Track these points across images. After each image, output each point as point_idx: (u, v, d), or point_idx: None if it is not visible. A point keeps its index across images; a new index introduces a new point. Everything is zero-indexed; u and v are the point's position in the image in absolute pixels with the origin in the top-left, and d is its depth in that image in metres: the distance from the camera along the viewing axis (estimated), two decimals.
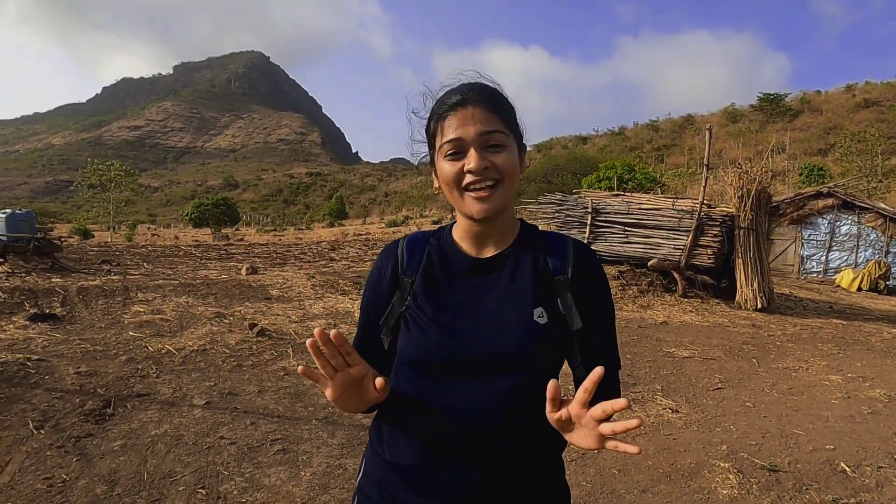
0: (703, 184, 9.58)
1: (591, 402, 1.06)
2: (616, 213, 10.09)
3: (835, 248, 16.73)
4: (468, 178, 0.98)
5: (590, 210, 10.17)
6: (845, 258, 16.57)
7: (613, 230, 10.09)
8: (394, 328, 1.07)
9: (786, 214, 17.03)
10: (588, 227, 10.15)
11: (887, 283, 15.00)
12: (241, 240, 30.62)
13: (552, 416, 0.88)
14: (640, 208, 9.99)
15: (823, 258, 16.86)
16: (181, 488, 2.79)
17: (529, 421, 0.98)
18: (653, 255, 9.59)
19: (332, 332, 0.87)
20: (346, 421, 3.77)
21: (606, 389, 1.07)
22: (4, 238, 9.66)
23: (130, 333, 5.70)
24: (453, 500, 0.99)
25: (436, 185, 1.07)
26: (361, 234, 35.20)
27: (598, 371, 0.81)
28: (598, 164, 36.25)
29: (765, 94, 70.70)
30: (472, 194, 0.98)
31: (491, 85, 1.04)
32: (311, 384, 4.49)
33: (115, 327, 5.97)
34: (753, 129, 61.97)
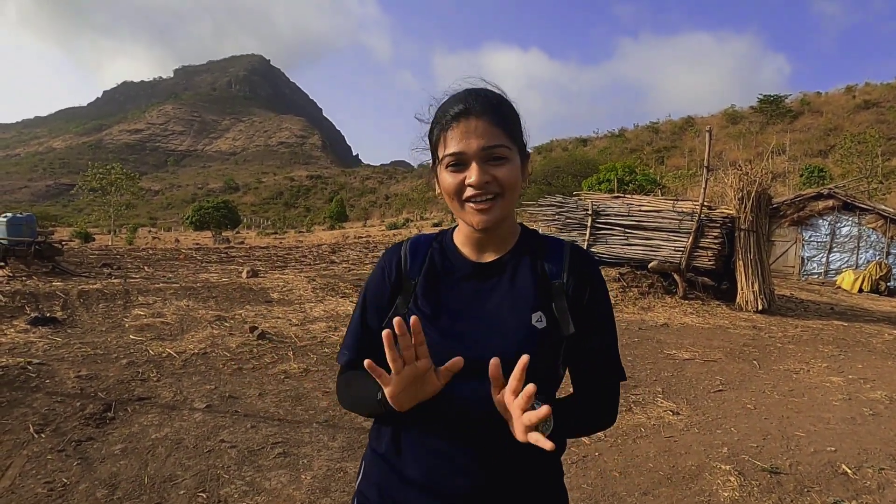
0: (704, 185, 9.59)
1: (585, 406, 1.06)
2: (616, 216, 10.09)
3: (835, 249, 16.72)
4: (469, 192, 0.98)
5: (590, 212, 10.18)
6: (846, 259, 16.56)
7: (614, 232, 10.09)
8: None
9: (786, 216, 17.02)
10: (588, 230, 10.15)
11: (888, 284, 14.98)
12: (242, 243, 30.63)
13: (495, 397, 0.90)
14: (640, 210, 9.99)
15: (824, 259, 16.84)
16: (182, 492, 2.79)
17: None
18: (653, 257, 9.59)
19: (412, 318, 0.87)
20: (346, 424, 3.77)
21: (602, 397, 1.07)
22: (5, 242, 9.67)
23: (131, 337, 5.70)
24: (453, 502, 0.99)
25: (437, 190, 1.07)
26: (362, 237, 35.21)
27: (523, 359, 0.84)
28: (598, 166, 36.28)
29: (765, 96, 70.70)
30: (473, 206, 0.99)
31: (495, 92, 1.03)
32: (312, 387, 4.50)
33: (115, 331, 5.98)
34: (753, 130, 61.98)
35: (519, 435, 0.86)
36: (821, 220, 16.85)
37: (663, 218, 9.71)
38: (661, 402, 4.55)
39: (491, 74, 1.09)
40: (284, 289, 8.80)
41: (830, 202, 16.63)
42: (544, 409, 0.81)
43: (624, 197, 10.92)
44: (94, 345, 5.31)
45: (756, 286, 9.14)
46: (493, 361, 0.87)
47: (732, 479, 3.16)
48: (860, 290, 14.64)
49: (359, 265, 14.79)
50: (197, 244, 27.00)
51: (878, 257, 15.93)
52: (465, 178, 0.98)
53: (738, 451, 3.59)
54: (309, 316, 7.23)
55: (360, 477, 1.13)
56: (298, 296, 8.48)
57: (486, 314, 1.03)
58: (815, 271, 16.91)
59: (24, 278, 8.85)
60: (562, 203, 10.84)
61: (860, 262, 16.26)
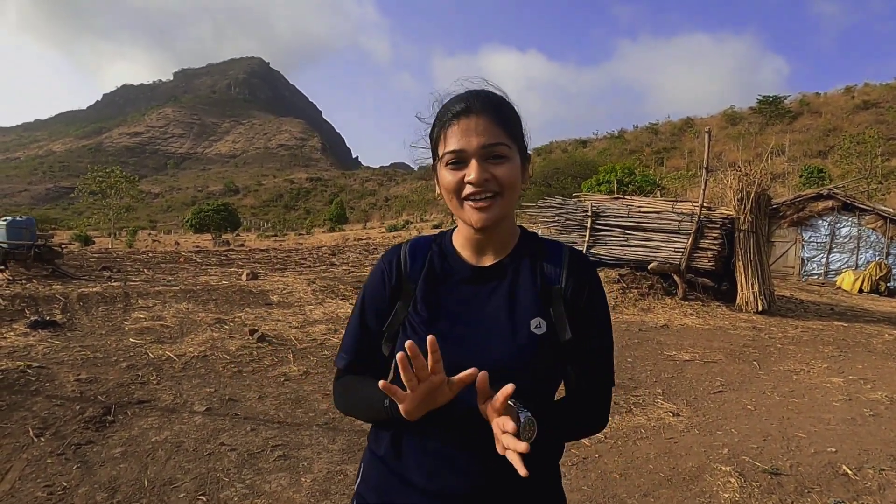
0: (703, 186, 9.59)
1: (576, 410, 1.06)
2: (616, 217, 10.09)
3: (835, 249, 16.72)
4: (468, 189, 0.98)
5: (590, 213, 10.18)
6: (846, 260, 16.56)
7: (613, 233, 10.09)
8: (395, 335, 1.07)
9: (786, 216, 17.02)
10: (588, 231, 10.15)
11: (888, 284, 14.98)
12: (242, 245, 30.65)
13: (480, 405, 0.91)
14: (639, 211, 10.00)
15: (824, 260, 16.84)
16: (182, 495, 2.78)
17: None
18: (653, 259, 9.59)
19: (430, 337, 0.87)
20: (346, 426, 3.77)
21: (593, 402, 1.07)
22: (5, 245, 9.67)
23: (131, 340, 5.70)
24: None
25: (437, 190, 1.07)
26: (362, 239, 35.23)
27: (508, 388, 0.84)
28: (597, 168, 36.27)
29: (764, 97, 70.69)
30: (472, 204, 0.98)
31: (497, 93, 1.03)
32: (312, 390, 4.49)
33: (115, 334, 5.97)
34: (753, 131, 61.98)
35: (498, 448, 0.87)
36: (820, 221, 16.86)
37: (663, 219, 9.71)
38: (662, 404, 4.55)
39: (490, 76, 1.09)
40: (284, 291, 8.80)
41: (830, 203, 16.63)
42: (511, 426, 0.82)
43: (623, 198, 10.92)
44: (94, 348, 5.31)
45: (756, 287, 9.14)
46: (481, 375, 0.87)
47: (733, 480, 3.15)
48: (860, 291, 14.63)
49: (359, 267, 14.79)
50: (197, 247, 27.01)
51: (877, 258, 15.93)
52: (464, 175, 0.98)
53: (738, 452, 3.59)
54: (309, 318, 7.23)
55: (358, 479, 1.13)
56: (298, 298, 8.48)
57: (485, 319, 1.02)
58: (814, 272, 16.91)
59: (23, 281, 8.85)
60: (561, 204, 10.84)
61: (860, 262, 16.26)
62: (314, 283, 9.48)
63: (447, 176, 1.00)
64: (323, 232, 53.52)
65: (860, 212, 16.46)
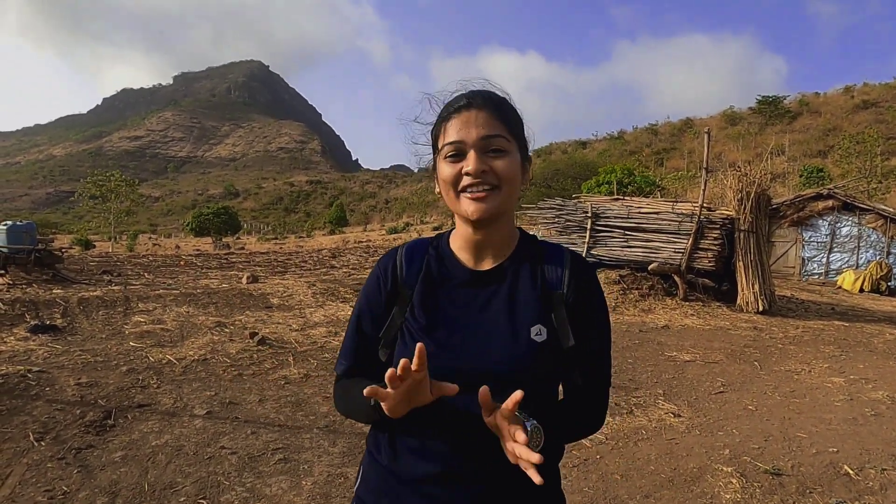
0: (703, 187, 9.59)
1: (578, 413, 1.06)
2: (616, 218, 10.09)
3: (836, 249, 16.71)
4: (465, 181, 0.97)
5: (590, 215, 10.18)
6: (846, 259, 16.55)
7: (613, 234, 10.09)
8: (392, 341, 1.06)
9: (786, 216, 17.02)
10: (588, 232, 10.15)
11: (889, 283, 14.97)
12: (242, 248, 30.65)
13: (486, 419, 0.90)
14: (639, 212, 10.00)
15: (824, 260, 16.84)
16: (182, 499, 2.78)
17: None
18: (653, 259, 9.59)
19: (418, 345, 0.85)
20: (347, 429, 3.77)
21: (591, 403, 1.07)
22: (5, 250, 9.68)
23: (131, 344, 5.70)
24: None
25: (437, 189, 1.06)
26: (362, 242, 35.24)
27: (517, 394, 0.84)
28: (597, 169, 36.28)
29: (763, 97, 70.73)
30: (469, 195, 0.97)
31: (499, 94, 1.04)
32: (313, 392, 4.49)
33: (115, 338, 5.97)
34: (752, 131, 62.01)
35: (510, 457, 0.87)
36: (821, 221, 16.86)
37: (663, 220, 9.71)
38: (663, 405, 4.54)
39: (489, 77, 1.09)
40: (284, 294, 8.80)
41: (830, 202, 16.63)
42: (522, 437, 0.83)
43: (623, 199, 10.92)
44: (94, 352, 5.31)
45: (756, 287, 9.14)
46: (483, 390, 0.86)
47: (734, 480, 3.15)
48: (861, 290, 14.62)
49: (359, 270, 14.80)
50: (197, 250, 27.02)
51: (878, 257, 15.92)
52: (462, 167, 0.97)
53: (739, 452, 3.58)
54: (309, 321, 7.23)
55: (358, 481, 1.13)
56: (298, 301, 8.47)
57: (483, 325, 1.01)
58: (815, 272, 16.90)
59: (24, 286, 8.85)
60: (561, 206, 10.84)
61: (860, 262, 16.25)
62: (314, 285, 9.48)
63: (446, 168, 0.99)
64: (323, 235, 53.53)
65: (860, 211, 16.46)
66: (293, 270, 14.76)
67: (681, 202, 10.39)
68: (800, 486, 3.12)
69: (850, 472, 3.31)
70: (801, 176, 34.65)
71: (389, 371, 0.85)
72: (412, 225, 53.03)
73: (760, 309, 8.99)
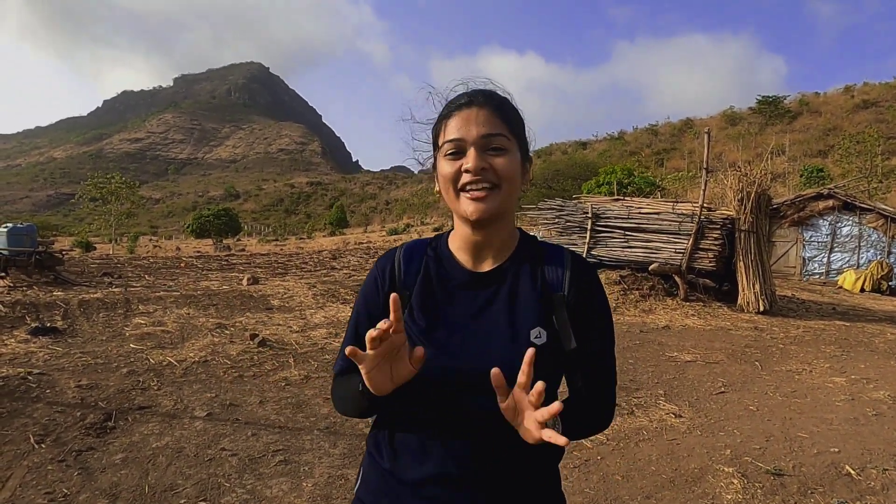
0: (703, 187, 9.58)
1: (584, 411, 1.05)
2: (616, 218, 10.09)
3: (836, 249, 16.70)
4: (465, 178, 0.97)
5: (590, 215, 10.18)
6: (847, 259, 16.53)
7: (614, 235, 10.09)
8: None
9: (786, 216, 17.00)
10: (588, 233, 10.15)
11: (890, 283, 14.95)
12: (243, 250, 30.65)
13: (502, 405, 0.88)
14: (640, 213, 9.99)
15: (825, 260, 16.82)
16: (183, 501, 2.78)
17: None
18: (654, 260, 9.58)
19: (392, 295, 0.86)
20: (348, 431, 3.77)
21: (598, 403, 1.07)
22: (6, 252, 9.69)
23: (131, 346, 5.70)
24: None
25: (437, 188, 1.05)
26: (363, 243, 35.24)
27: (530, 352, 0.84)
28: (597, 169, 36.29)
29: (763, 97, 70.69)
30: (468, 194, 0.97)
31: (501, 93, 1.03)
32: (313, 394, 4.49)
33: (116, 340, 5.98)
34: (753, 131, 61.97)
35: (532, 432, 0.85)
36: (821, 221, 16.84)
37: (663, 220, 9.70)
38: (663, 405, 4.54)
39: (490, 77, 1.09)
40: (285, 296, 8.80)
41: (830, 202, 16.62)
42: (556, 405, 0.80)
43: (624, 200, 10.92)
44: (95, 354, 5.31)
45: (757, 287, 9.13)
46: (495, 371, 0.85)
47: (735, 481, 3.14)
48: (862, 290, 14.61)
49: (359, 271, 14.80)
50: (198, 252, 27.02)
51: (879, 257, 15.90)
52: (462, 164, 0.97)
53: (740, 453, 3.58)
54: (309, 322, 7.23)
55: (358, 483, 1.12)
56: (299, 302, 8.48)
57: (483, 328, 1.00)
58: (816, 271, 16.88)
59: (24, 288, 8.85)
60: (562, 206, 10.85)
61: (861, 261, 16.23)
62: (315, 287, 9.48)
63: (445, 166, 0.99)
64: (324, 236, 53.55)
65: (861, 211, 16.44)
66: (294, 272, 14.76)
67: (681, 202, 10.38)
68: (801, 487, 3.11)
69: (852, 472, 3.31)
70: (801, 176, 34.62)
71: (369, 332, 0.84)
72: (412, 226, 53.04)
73: (761, 309, 8.98)
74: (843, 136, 38.88)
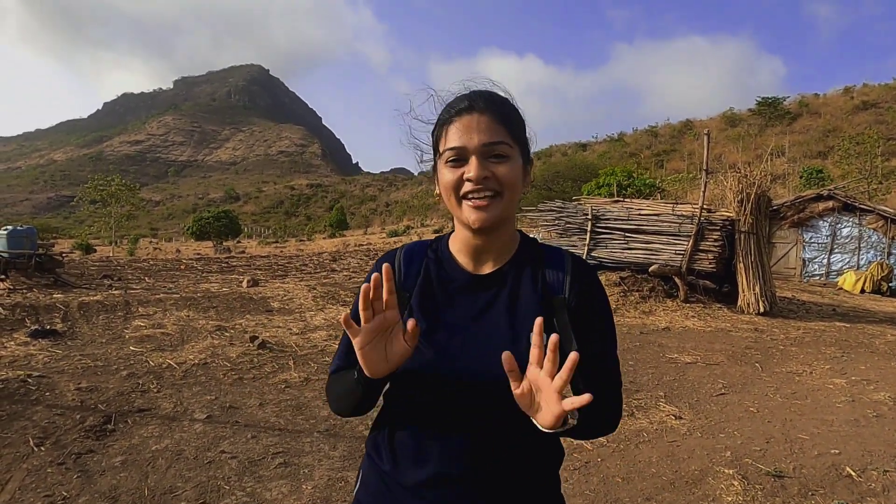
0: (703, 188, 9.58)
1: (591, 413, 1.04)
2: (616, 220, 10.09)
3: (836, 250, 16.69)
4: (467, 187, 0.96)
5: (590, 217, 10.17)
6: (847, 260, 16.53)
7: (614, 237, 10.08)
8: None
9: (786, 217, 17.00)
10: (588, 234, 10.14)
11: (890, 284, 14.95)
12: (243, 252, 30.65)
13: (516, 392, 0.86)
14: (640, 214, 9.99)
15: (825, 261, 16.81)
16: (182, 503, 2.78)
17: (526, 438, 0.98)
18: (654, 261, 9.58)
19: (385, 265, 0.88)
20: (347, 433, 3.76)
21: (605, 405, 1.06)
22: (6, 255, 9.68)
23: (131, 348, 5.69)
24: None
25: (437, 191, 1.05)
26: (363, 245, 35.25)
27: (538, 322, 0.84)
28: (597, 171, 36.30)
29: (763, 98, 70.77)
30: (470, 203, 0.96)
31: (502, 94, 1.02)
32: (313, 396, 4.48)
33: (115, 342, 5.97)
34: (752, 133, 62.05)
35: (553, 406, 0.82)
36: (821, 222, 16.84)
37: (663, 221, 9.70)
38: (664, 407, 4.53)
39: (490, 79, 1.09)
40: (285, 298, 8.80)
41: (830, 203, 16.62)
42: (587, 395, 0.78)
43: (623, 201, 10.92)
44: (95, 357, 5.31)
45: (757, 288, 9.13)
46: (507, 355, 0.84)
47: (736, 483, 3.14)
48: (862, 291, 14.60)
49: (359, 273, 14.80)
50: (198, 254, 27.01)
51: (879, 258, 15.90)
52: (464, 173, 0.96)
53: (741, 454, 3.57)
54: (309, 325, 7.23)
55: (357, 485, 1.12)
56: (299, 305, 8.47)
57: (483, 330, 1.00)
58: (816, 273, 16.88)
59: (24, 291, 8.85)
60: (561, 208, 10.84)
61: (861, 262, 16.23)
62: (315, 289, 9.48)
63: (447, 173, 0.98)
64: (324, 238, 53.55)
65: (861, 212, 16.44)
66: (293, 274, 14.75)
67: (681, 204, 10.38)
68: (802, 488, 3.11)
69: (853, 473, 3.30)
70: (801, 177, 34.63)
71: (364, 285, 0.86)
72: (413, 228, 53.07)
73: (761, 310, 8.98)
74: (842, 138, 38.92)
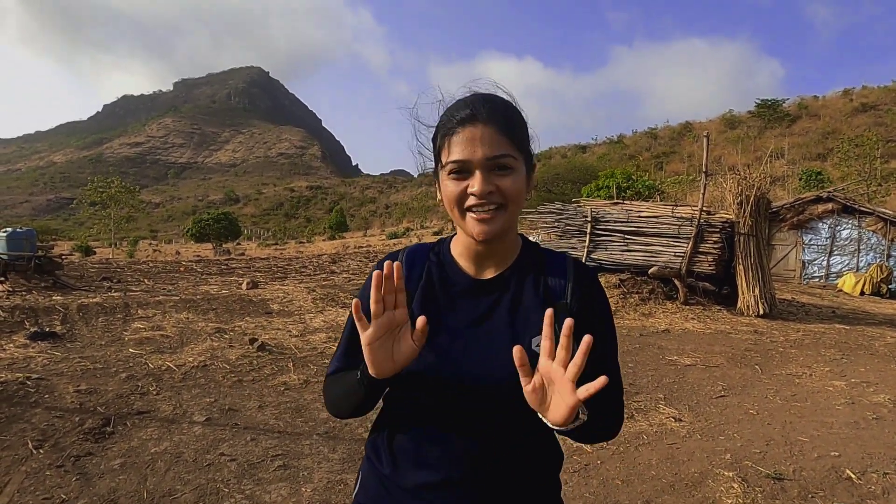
0: (703, 190, 9.59)
1: (594, 417, 1.04)
2: (616, 222, 10.10)
3: (836, 252, 16.70)
4: (471, 201, 0.95)
5: (589, 219, 10.18)
6: (847, 262, 16.54)
7: (613, 239, 10.09)
8: None
9: (786, 220, 17.02)
10: (588, 236, 10.15)
11: (889, 286, 14.96)
12: (243, 254, 30.65)
13: (526, 389, 0.85)
14: (639, 216, 10.00)
15: (825, 263, 16.82)
16: None
17: (527, 442, 0.98)
18: (653, 263, 9.58)
19: (395, 263, 0.89)
20: (347, 435, 3.76)
21: (607, 409, 1.05)
22: (5, 257, 9.68)
23: (130, 350, 5.69)
24: None
25: (438, 197, 1.04)
26: (362, 247, 35.26)
27: (549, 313, 0.84)
28: (597, 173, 36.31)
29: (762, 100, 70.89)
30: (474, 216, 0.95)
31: (503, 99, 1.00)
32: (312, 399, 4.48)
33: (115, 344, 5.96)
34: (752, 135, 62.16)
35: (567, 397, 0.81)
36: (821, 224, 16.85)
37: (663, 223, 9.71)
38: (663, 409, 4.53)
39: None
40: (284, 300, 8.79)
41: (830, 205, 16.63)
42: (603, 378, 0.78)
43: (623, 203, 10.93)
44: (94, 359, 5.30)
45: (757, 290, 9.13)
46: (517, 348, 0.84)
47: (736, 485, 3.13)
48: (861, 293, 14.61)
49: (359, 275, 14.79)
50: (197, 256, 27.02)
51: (878, 260, 15.91)
52: (467, 186, 0.94)
53: (741, 457, 3.57)
54: (309, 327, 7.22)
55: (357, 488, 1.12)
56: (298, 307, 8.47)
57: (484, 335, 1.00)
58: (815, 275, 16.88)
59: (23, 293, 8.84)
60: (561, 210, 10.85)
61: (861, 264, 16.24)
62: (314, 291, 9.47)
63: (450, 185, 0.96)
64: (323, 240, 53.56)
65: (860, 214, 16.45)
66: (293, 276, 14.75)
67: (680, 206, 10.39)
68: (801, 491, 3.10)
69: (853, 476, 3.30)
70: (800, 179, 34.65)
71: (376, 272, 0.87)
72: (412, 230, 53.07)
73: (761, 312, 8.98)
74: (841, 140, 38.98)
